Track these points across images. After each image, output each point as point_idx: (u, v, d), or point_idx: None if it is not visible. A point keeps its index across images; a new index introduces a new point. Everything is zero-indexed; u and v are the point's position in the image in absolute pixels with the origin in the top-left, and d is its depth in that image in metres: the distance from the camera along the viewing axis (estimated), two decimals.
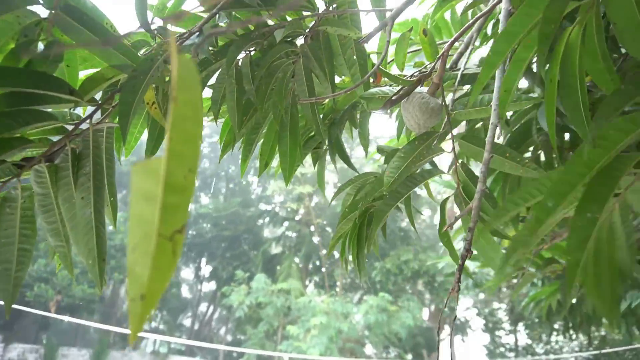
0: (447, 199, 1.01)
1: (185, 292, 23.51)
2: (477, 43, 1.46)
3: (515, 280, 2.54)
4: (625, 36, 0.65)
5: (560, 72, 0.69)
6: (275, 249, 18.05)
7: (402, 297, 12.41)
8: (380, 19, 1.02)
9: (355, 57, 1.11)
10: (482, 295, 12.28)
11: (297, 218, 17.45)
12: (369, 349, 14.09)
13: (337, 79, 1.31)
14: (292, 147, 1.23)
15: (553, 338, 11.12)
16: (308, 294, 13.69)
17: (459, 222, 1.07)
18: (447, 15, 1.77)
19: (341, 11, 1.01)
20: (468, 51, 1.24)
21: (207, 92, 1.12)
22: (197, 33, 0.89)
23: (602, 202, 0.65)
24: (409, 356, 13.66)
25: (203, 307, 22.76)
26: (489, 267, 0.97)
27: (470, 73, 1.14)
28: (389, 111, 1.53)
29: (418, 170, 1.00)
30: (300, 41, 1.09)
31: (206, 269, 21.87)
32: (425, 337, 13.04)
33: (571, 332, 3.73)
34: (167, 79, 0.93)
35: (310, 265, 17.17)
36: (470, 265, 3.45)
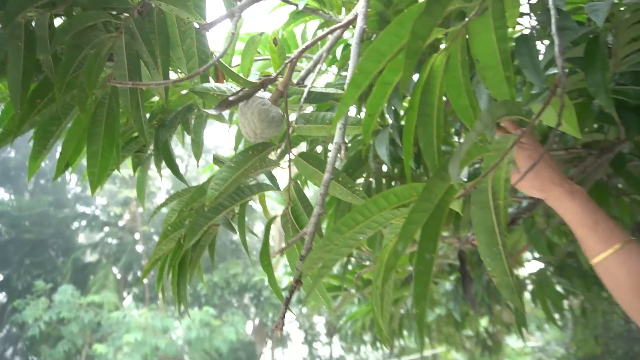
0: (273, 218, 0.92)
1: None
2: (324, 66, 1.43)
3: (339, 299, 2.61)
4: (486, 74, 0.65)
5: (421, 101, 0.66)
6: (90, 257, 16.01)
7: (227, 311, 12.12)
8: (227, 7, 0.89)
9: (195, 49, 0.96)
10: (304, 310, 12.80)
11: (120, 224, 15.82)
12: None
13: (173, 76, 1.13)
14: (106, 146, 1.00)
15: (363, 349, 12.16)
16: (124, 308, 12.42)
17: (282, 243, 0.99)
18: (298, 33, 1.73)
19: None
20: (317, 69, 1.20)
21: None
22: None
23: (435, 238, 0.62)
24: None
25: None
26: (317, 302, 0.90)
27: (316, 92, 1.08)
28: (228, 121, 1.39)
29: (250, 183, 0.89)
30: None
31: None
32: (247, 352, 12.95)
33: (378, 344, 4.05)
34: None
35: (130, 276, 15.66)
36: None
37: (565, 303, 4.16)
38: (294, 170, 0.88)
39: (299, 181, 0.98)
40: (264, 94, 0.85)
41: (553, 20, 0.69)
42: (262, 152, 0.86)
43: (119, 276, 14.92)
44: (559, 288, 3.68)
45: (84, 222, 17.20)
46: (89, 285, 13.51)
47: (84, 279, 14.38)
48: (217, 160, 1.13)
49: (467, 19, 0.58)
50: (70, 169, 1.06)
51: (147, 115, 1.21)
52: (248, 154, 0.85)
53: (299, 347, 14.35)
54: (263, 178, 1.02)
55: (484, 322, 5.07)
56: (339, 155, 0.74)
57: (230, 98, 0.80)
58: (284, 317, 0.72)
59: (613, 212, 2.00)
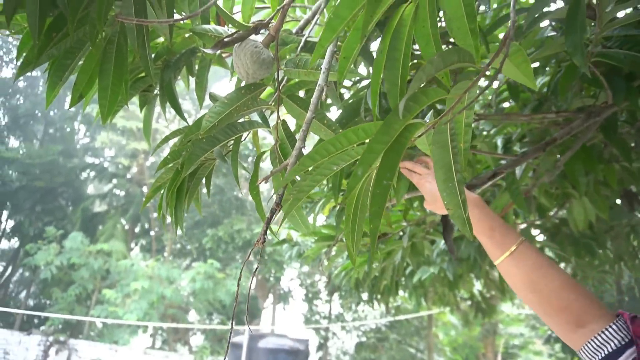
0: (262, 153, 1.02)
1: None
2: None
3: (333, 252, 2.73)
4: (452, 25, 0.72)
5: (389, 47, 0.74)
6: (99, 207, 16.41)
7: (231, 265, 12.52)
8: None
9: None
10: (305, 268, 13.16)
11: (128, 176, 16.09)
12: (192, 316, 13.93)
13: (177, 17, 1.20)
14: (116, 82, 1.09)
15: (360, 307, 12.57)
16: (132, 258, 12.84)
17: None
18: None
19: None
20: (315, 19, 1.25)
21: None
22: None
23: (394, 167, 0.72)
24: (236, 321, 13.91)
25: None
26: (299, 231, 1.01)
27: (312, 41, 1.15)
28: (230, 68, 1.47)
29: (240, 120, 0.99)
30: None
31: (8, 224, 18.67)
32: (250, 305, 13.45)
33: (375, 302, 4.23)
34: None
35: (138, 228, 16.08)
36: (294, 235, 3.63)
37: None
38: (283, 110, 0.97)
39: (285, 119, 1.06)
40: (258, 38, 0.93)
41: None
42: (253, 92, 0.95)
43: (126, 227, 15.34)
44: (550, 253, 3.81)
45: (92, 173, 17.50)
46: (98, 234, 13.92)
47: (92, 228, 14.80)
48: (213, 97, 1.22)
49: None
50: (83, 100, 1.16)
51: (152, 56, 1.29)
52: (241, 93, 0.94)
53: (300, 303, 14.85)
54: (256, 118, 1.11)
55: (479, 285, 5.21)
56: (332, 98, 0.83)
57: (225, 39, 0.88)
58: (265, 233, 0.83)
59: (599, 177, 2.07)
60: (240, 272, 0.82)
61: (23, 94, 19.01)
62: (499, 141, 2.11)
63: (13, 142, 18.67)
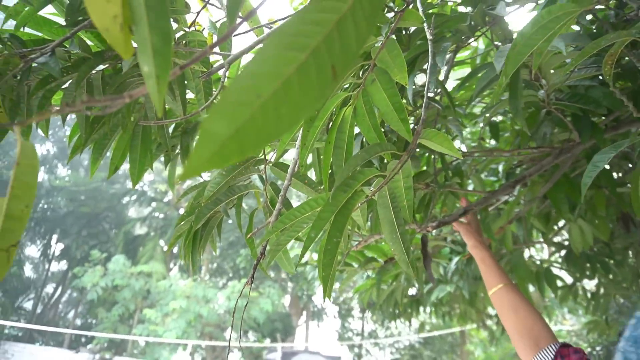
0: (255, 209, 1.28)
1: (28, 271, 21.02)
2: None
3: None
4: (386, 117, 0.97)
5: (336, 137, 0.99)
6: (140, 230, 17.19)
7: (264, 284, 12.85)
8: (224, 58, 1.23)
9: (201, 85, 1.31)
10: (337, 285, 13.31)
11: (165, 200, 16.83)
12: (228, 333, 14.30)
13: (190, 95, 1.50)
14: (143, 154, 1.39)
15: (393, 324, 12.57)
16: (170, 278, 13.38)
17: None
18: None
19: (188, 49, 1.20)
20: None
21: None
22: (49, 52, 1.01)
23: (342, 228, 0.96)
24: (267, 340, 14.23)
25: (49, 288, 20.63)
26: (286, 270, 1.26)
27: None
28: None
29: (238, 184, 1.25)
30: None
31: (57, 247, 19.84)
32: (284, 322, 13.70)
33: (401, 318, 4.39)
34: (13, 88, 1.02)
35: (176, 249, 16.72)
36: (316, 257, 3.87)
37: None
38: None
39: (273, 181, 1.32)
40: None
41: (430, 56, 1.00)
42: (245, 162, 1.22)
43: (165, 248, 15.98)
44: (561, 273, 3.89)
45: (133, 197, 18.36)
46: (139, 256, 14.59)
47: (134, 250, 15.53)
48: None
49: (361, 86, 0.90)
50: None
51: (173, 126, 1.59)
52: (235, 164, 1.21)
53: (333, 321, 14.96)
54: (255, 177, 1.37)
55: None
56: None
57: None
58: (252, 275, 1.09)
59: (579, 203, 2.22)
60: (241, 292, 1.08)
61: (70, 125, 20.33)
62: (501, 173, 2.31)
63: (61, 171, 19.92)
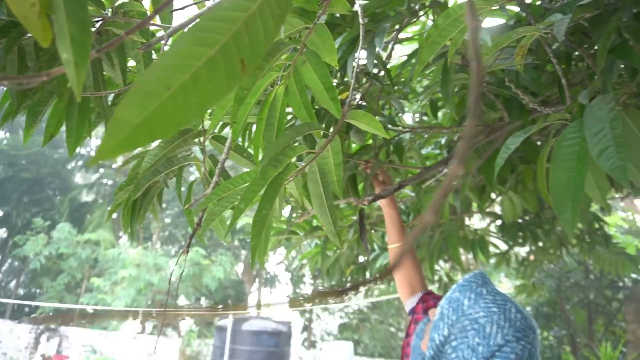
0: (193, 181, 1.32)
1: None
2: None
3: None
4: (317, 96, 1.02)
5: (268, 115, 1.04)
6: (87, 197, 16.58)
7: (216, 252, 12.87)
8: (164, 30, 1.23)
9: (141, 56, 1.31)
10: (293, 253, 13.54)
11: (114, 166, 16.24)
12: (181, 300, 14.29)
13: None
14: (80, 122, 1.38)
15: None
16: (120, 246, 13.11)
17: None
18: None
19: (127, 19, 1.20)
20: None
21: None
22: None
23: (272, 201, 1.02)
24: (220, 307, 14.37)
25: None
26: (220, 237, 1.32)
27: None
28: None
29: (178, 155, 1.28)
30: None
31: None
32: (236, 290, 13.86)
33: (348, 285, 4.58)
34: None
35: None
36: None
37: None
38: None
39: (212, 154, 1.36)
40: None
41: (361, 41, 1.07)
42: (185, 135, 1.24)
43: (114, 215, 15.55)
44: (497, 241, 4.19)
45: (80, 163, 17.58)
46: (86, 224, 14.13)
47: (81, 218, 14.99)
48: None
49: (292, 67, 0.95)
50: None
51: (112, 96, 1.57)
52: (174, 136, 1.23)
53: (286, 287, 15.29)
54: (197, 149, 1.40)
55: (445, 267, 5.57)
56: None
57: None
58: (188, 245, 1.14)
59: (509, 177, 2.39)
60: (177, 261, 1.13)
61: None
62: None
63: None
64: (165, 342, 11.94)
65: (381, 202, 1.63)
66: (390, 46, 1.79)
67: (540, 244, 4.35)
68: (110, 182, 16.54)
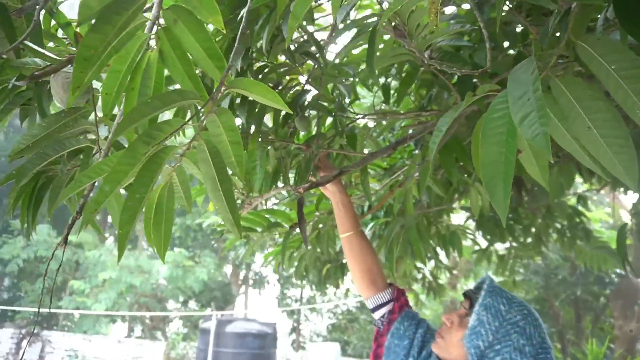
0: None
1: None
2: None
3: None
4: (200, 64, 0.87)
5: (141, 84, 0.89)
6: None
7: (203, 253, 12.65)
8: None
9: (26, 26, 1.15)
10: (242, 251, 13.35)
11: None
12: (172, 304, 14.05)
13: None
14: None
15: (332, 290, 12.87)
16: (103, 248, 12.85)
17: None
18: None
19: None
20: None
21: None
22: None
23: (148, 184, 0.86)
24: (208, 309, 14.15)
25: None
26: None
27: None
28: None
29: (69, 138, 1.12)
30: None
31: None
32: (223, 292, 13.64)
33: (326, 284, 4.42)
34: None
35: (110, 218, 16.03)
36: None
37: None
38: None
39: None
40: (70, 68, 1.06)
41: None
42: (74, 114, 1.09)
43: (98, 217, 15.29)
44: (479, 237, 4.08)
45: None
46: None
47: (61, 220, 14.67)
48: None
49: (156, 25, 0.80)
50: None
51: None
52: (61, 116, 1.07)
53: (273, 288, 15.11)
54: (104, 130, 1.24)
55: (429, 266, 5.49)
56: None
57: (36, 73, 1.01)
58: (66, 238, 0.98)
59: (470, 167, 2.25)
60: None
61: None
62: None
63: None
64: (151, 345, 11.72)
65: (329, 189, 1.52)
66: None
67: (522, 239, 4.24)
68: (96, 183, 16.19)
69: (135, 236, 15.38)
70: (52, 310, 10.81)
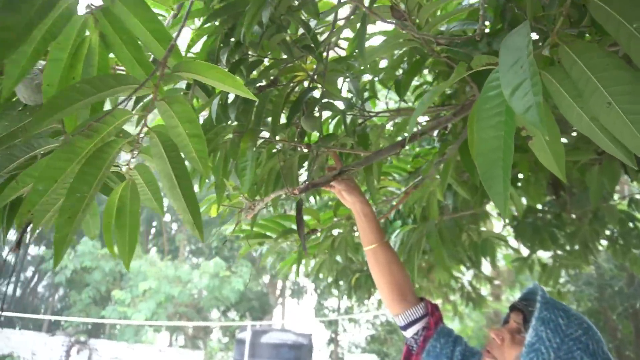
0: None
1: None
2: None
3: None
4: (151, 49, 0.78)
5: (83, 72, 0.80)
6: None
7: (238, 263, 12.72)
8: None
9: None
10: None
11: None
12: (213, 314, 14.21)
13: None
14: None
15: (371, 301, 12.61)
16: (145, 258, 13.21)
17: None
18: None
19: None
20: None
21: None
22: None
23: (92, 182, 0.77)
24: (247, 319, 14.20)
25: (29, 272, 20.28)
26: (88, 235, 1.09)
27: None
28: None
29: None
30: None
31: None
32: (260, 301, 13.65)
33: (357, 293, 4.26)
34: None
35: (153, 230, 16.51)
36: None
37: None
38: None
39: None
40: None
41: None
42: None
43: (141, 228, 15.76)
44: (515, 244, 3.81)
45: None
46: None
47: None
48: None
49: (96, 8, 0.71)
50: None
51: None
52: (25, 114, 1.01)
53: (311, 298, 14.99)
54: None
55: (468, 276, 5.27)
56: None
57: None
58: (19, 242, 0.90)
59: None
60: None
61: None
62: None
63: None
64: (190, 354, 11.88)
65: (347, 200, 1.39)
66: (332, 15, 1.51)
67: (568, 247, 3.92)
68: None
69: (176, 247, 15.74)
70: (93, 320, 11.18)
